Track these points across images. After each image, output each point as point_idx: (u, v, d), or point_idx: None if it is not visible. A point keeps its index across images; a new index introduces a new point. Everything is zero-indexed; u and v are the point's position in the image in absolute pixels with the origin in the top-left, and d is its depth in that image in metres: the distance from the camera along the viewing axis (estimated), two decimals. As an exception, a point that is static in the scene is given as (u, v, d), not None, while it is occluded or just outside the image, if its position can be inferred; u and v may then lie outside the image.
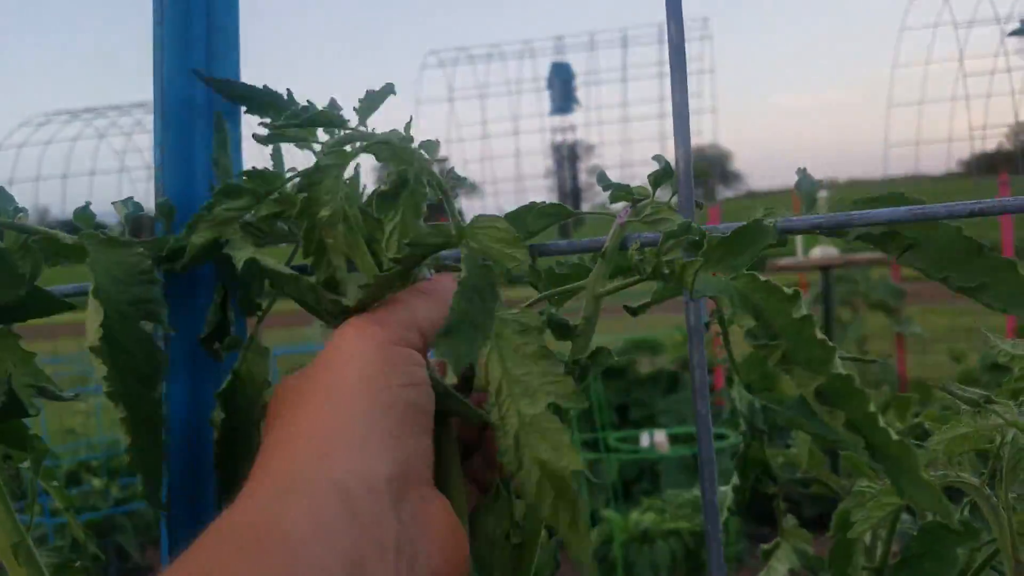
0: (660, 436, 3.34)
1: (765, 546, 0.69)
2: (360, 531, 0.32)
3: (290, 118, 0.44)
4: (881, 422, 0.32)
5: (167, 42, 0.50)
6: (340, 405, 0.36)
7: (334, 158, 0.41)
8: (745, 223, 0.35)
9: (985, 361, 4.50)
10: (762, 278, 0.33)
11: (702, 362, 0.42)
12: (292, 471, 0.34)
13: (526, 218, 0.48)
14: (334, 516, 0.32)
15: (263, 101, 0.50)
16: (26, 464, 0.54)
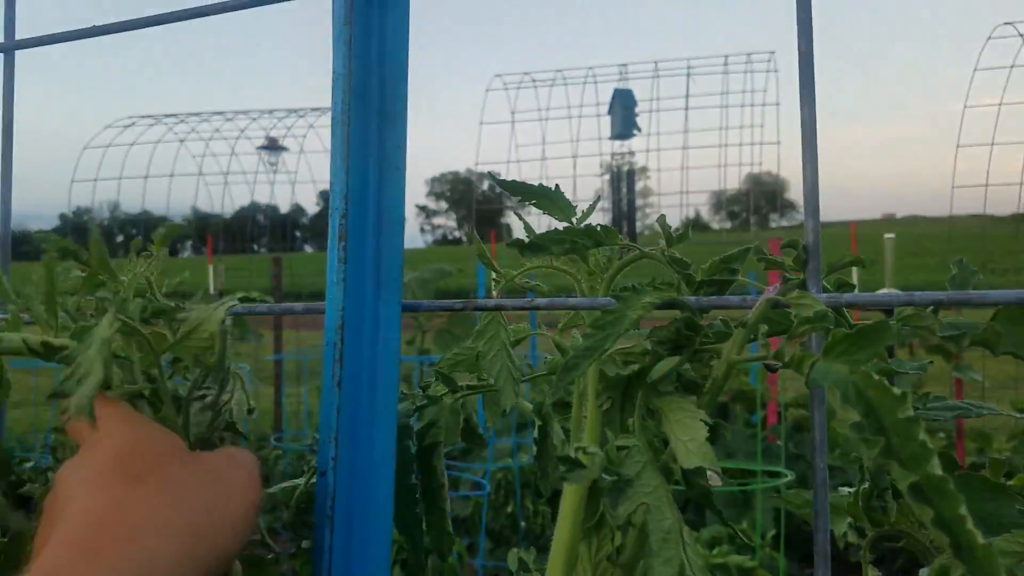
0: (712, 472, 3.37)
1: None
2: None
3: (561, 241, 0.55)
4: (970, 524, 0.35)
5: (355, 41, 0.58)
6: None
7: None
8: (871, 322, 0.42)
9: (1045, 413, 4.43)
10: (875, 376, 0.40)
11: (822, 423, 0.49)
12: None
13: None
14: None
15: (535, 193, 0.61)
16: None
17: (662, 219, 0.57)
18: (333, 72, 0.59)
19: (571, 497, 0.53)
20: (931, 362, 0.64)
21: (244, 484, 0.51)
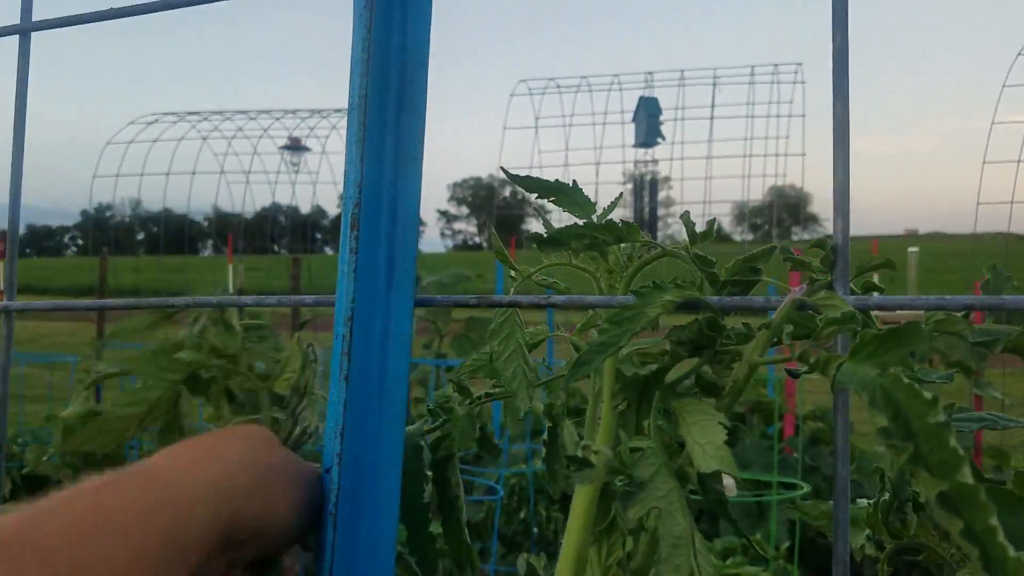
0: (729, 480, 3.34)
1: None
2: None
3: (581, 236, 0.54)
4: (1000, 536, 0.33)
5: (375, 25, 0.57)
6: None
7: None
8: (902, 324, 0.39)
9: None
10: (905, 379, 0.38)
11: (845, 430, 0.47)
12: None
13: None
14: None
15: (552, 189, 0.60)
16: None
17: (686, 216, 0.55)
18: (352, 57, 0.58)
19: (582, 500, 0.52)
20: (958, 371, 0.62)
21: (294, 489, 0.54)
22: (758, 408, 5.67)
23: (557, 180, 0.62)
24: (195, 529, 0.44)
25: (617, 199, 0.62)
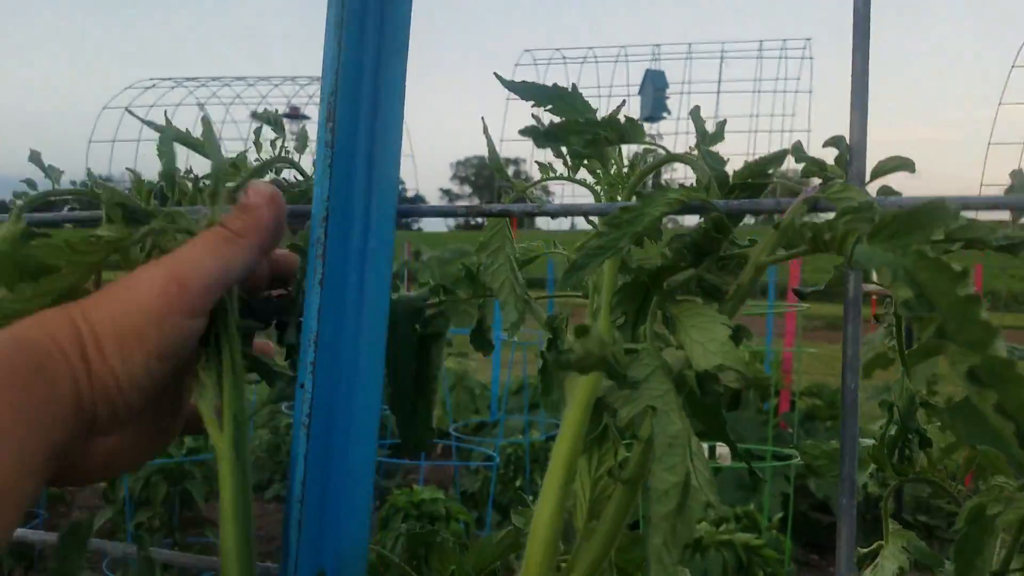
0: (724, 448, 3.33)
1: (863, 549, 0.70)
2: None
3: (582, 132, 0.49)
4: None
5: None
6: None
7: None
8: (924, 201, 0.35)
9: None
10: (931, 254, 0.34)
11: (856, 334, 0.44)
12: None
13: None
14: None
15: (548, 95, 0.55)
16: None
17: (695, 111, 0.51)
18: (331, -63, 0.53)
19: (574, 410, 0.48)
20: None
21: None
22: (753, 384, 5.66)
23: (555, 84, 0.57)
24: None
25: (619, 107, 0.58)
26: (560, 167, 0.57)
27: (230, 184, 0.53)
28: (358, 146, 0.53)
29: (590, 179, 0.58)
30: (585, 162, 0.56)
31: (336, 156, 0.52)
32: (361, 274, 0.54)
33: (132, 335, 0.46)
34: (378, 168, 0.54)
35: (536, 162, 0.59)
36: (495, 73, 0.65)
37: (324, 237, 0.53)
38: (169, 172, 0.56)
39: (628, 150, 0.60)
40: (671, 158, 0.53)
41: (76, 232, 0.49)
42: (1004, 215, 0.51)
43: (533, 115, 0.53)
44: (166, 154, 0.56)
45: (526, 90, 0.61)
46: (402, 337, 0.61)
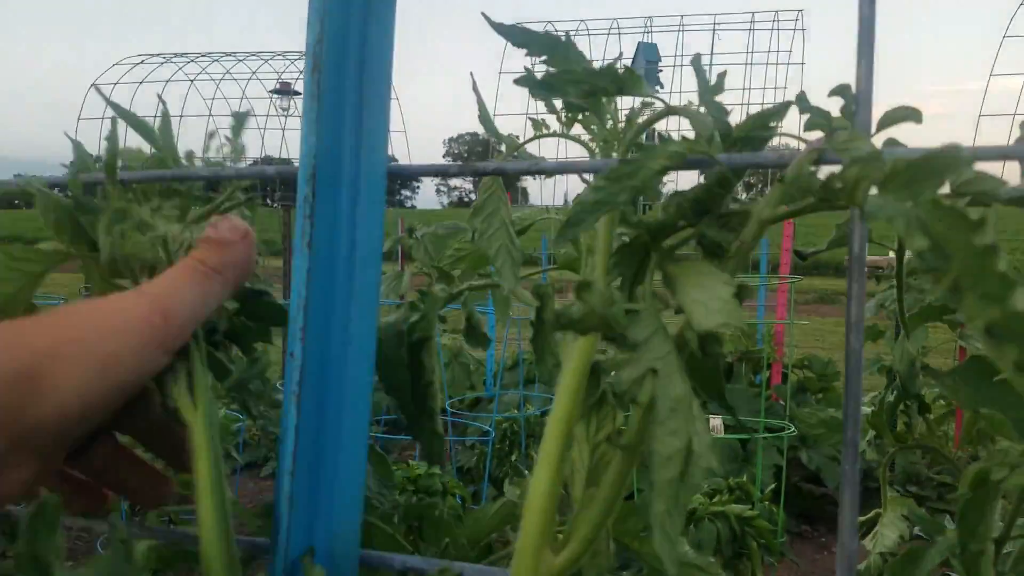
0: (716, 421, 3.33)
1: (862, 517, 0.69)
2: None
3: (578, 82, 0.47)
4: None
5: None
6: None
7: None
8: (938, 148, 0.34)
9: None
10: (947, 203, 0.33)
11: (861, 294, 0.42)
12: None
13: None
14: None
15: (540, 43, 0.53)
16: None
17: (696, 60, 0.49)
18: None
19: (569, 376, 0.47)
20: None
21: None
22: (746, 357, 5.68)
23: (547, 32, 0.55)
24: None
25: (618, 57, 0.56)
26: (554, 123, 0.55)
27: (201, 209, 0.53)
28: (346, 98, 0.51)
29: (585, 136, 0.56)
30: (580, 117, 0.54)
31: (322, 109, 0.50)
32: (352, 235, 0.52)
33: (110, 360, 0.43)
34: (367, 122, 0.52)
35: (528, 117, 0.57)
36: (482, 13, 0.62)
37: (312, 196, 0.51)
38: (112, 163, 0.55)
39: (623, 107, 0.58)
40: (670, 111, 0.51)
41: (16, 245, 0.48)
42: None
43: (526, 68, 0.51)
44: (112, 141, 0.54)
45: (519, 35, 0.58)
46: (393, 364, 0.60)
